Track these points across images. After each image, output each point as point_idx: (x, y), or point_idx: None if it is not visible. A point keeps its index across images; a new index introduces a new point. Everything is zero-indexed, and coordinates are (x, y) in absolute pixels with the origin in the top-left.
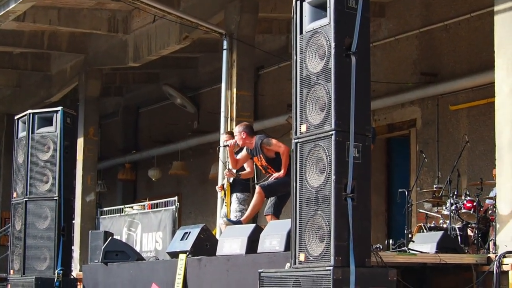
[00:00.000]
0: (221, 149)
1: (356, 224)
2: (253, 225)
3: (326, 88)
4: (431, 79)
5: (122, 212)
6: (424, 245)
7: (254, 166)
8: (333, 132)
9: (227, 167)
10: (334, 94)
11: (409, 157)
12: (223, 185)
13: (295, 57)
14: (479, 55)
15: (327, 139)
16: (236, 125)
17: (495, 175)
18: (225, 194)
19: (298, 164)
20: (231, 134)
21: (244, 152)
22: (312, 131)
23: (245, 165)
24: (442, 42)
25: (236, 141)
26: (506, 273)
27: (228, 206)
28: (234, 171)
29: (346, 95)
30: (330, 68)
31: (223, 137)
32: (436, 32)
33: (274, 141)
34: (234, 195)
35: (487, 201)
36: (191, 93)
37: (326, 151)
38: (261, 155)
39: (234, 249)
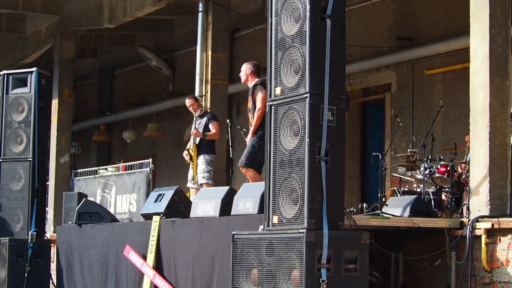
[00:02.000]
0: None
1: (330, 187)
2: (227, 187)
3: (301, 51)
4: (406, 44)
5: (96, 174)
6: (397, 209)
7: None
8: (308, 95)
9: (195, 127)
10: (308, 57)
11: (383, 121)
12: (188, 150)
13: (270, 20)
14: (455, 20)
15: (302, 102)
16: (210, 87)
17: (468, 141)
18: (191, 158)
19: (272, 127)
20: (194, 99)
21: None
22: (287, 94)
23: (211, 126)
24: (418, 6)
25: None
26: (479, 237)
27: (194, 169)
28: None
29: (321, 58)
30: (305, 31)
31: (186, 102)
32: None
33: (262, 95)
34: (201, 157)
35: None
36: (167, 55)
37: (300, 114)
38: (250, 97)
39: (208, 211)
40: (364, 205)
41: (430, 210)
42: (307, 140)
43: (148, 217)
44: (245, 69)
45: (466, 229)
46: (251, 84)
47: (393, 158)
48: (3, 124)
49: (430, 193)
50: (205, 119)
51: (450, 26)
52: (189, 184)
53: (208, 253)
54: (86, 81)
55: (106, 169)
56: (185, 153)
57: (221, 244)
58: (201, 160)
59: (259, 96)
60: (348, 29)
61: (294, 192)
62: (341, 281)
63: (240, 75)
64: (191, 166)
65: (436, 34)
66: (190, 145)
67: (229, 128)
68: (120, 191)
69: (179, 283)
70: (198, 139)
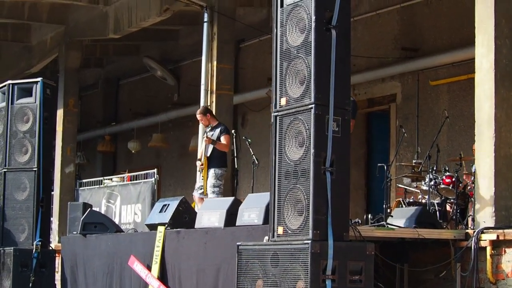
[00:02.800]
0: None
1: (335, 198)
2: (232, 198)
3: (306, 61)
4: (411, 54)
5: (101, 184)
6: (402, 220)
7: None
8: (313, 105)
9: (206, 135)
10: (314, 68)
11: (389, 132)
12: (200, 159)
13: (275, 30)
14: (460, 30)
15: (307, 113)
16: (215, 98)
17: (474, 150)
18: (202, 169)
19: (277, 137)
20: (202, 114)
21: None
22: (292, 104)
23: (222, 139)
24: (424, 17)
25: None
26: (484, 249)
27: (205, 180)
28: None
29: (326, 69)
30: (310, 41)
31: (197, 116)
32: (417, 7)
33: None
34: (212, 170)
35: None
36: (172, 65)
37: (306, 125)
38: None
39: (213, 222)
40: (369, 216)
41: (435, 221)
42: (312, 150)
43: (153, 227)
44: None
45: (471, 240)
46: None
47: (398, 169)
48: (8, 134)
49: (435, 204)
50: (217, 131)
51: (455, 37)
52: (195, 193)
53: (213, 263)
54: (92, 91)
55: (111, 179)
56: (198, 163)
57: (226, 255)
58: (211, 174)
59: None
60: (353, 39)
61: (299, 202)
62: None
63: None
64: (201, 176)
65: (441, 44)
66: (202, 156)
67: (234, 139)
68: (125, 201)
69: None
70: (210, 151)
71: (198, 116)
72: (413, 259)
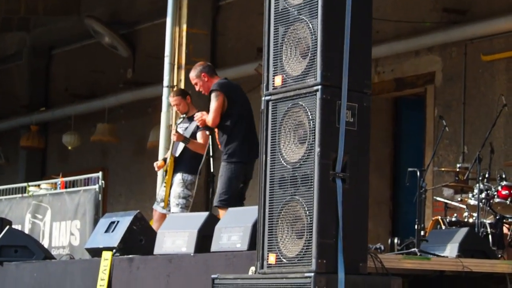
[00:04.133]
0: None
1: (348, 215)
2: (206, 213)
3: (311, 26)
4: (457, 18)
5: (25, 193)
6: (441, 246)
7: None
8: (319, 87)
9: (176, 129)
10: (321, 35)
11: (424, 125)
12: (164, 160)
13: None
14: None
15: (310, 97)
16: (185, 75)
17: None
18: (166, 171)
19: (269, 131)
20: (181, 96)
21: None
22: (290, 85)
23: (198, 136)
24: None
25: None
26: None
27: (167, 189)
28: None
29: (338, 36)
30: None
31: (170, 100)
32: None
33: (216, 104)
34: (178, 175)
35: None
36: (125, 29)
37: (309, 114)
38: None
39: (179, 247)
40: (396, 240)
41: (486, 248)
42: (317, 149)
43: (95, 253)
44: (196, 75)
45: None
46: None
47: (436, 176)
48: None
49: (487, 225)
50: (193, 125)
51: None
52: (155, 206)
53: None
54: (13, 63)
55: (39, 185)
56: (158, 163)
57: None
58: (178, 180)
59: (212, 105)
60: None
61: (298, 221)
62: None
63: (195, 84)
64: (163, 184)
65: (499, 5)
66: (168, 156)
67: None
68: (58, 216)
69: None
70: (179, 150)
71: (173, 100)
72: None
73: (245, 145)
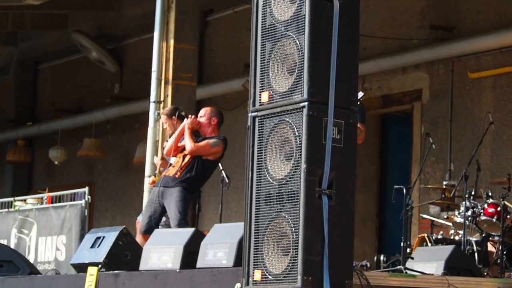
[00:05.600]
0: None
1: (334, 232)
2: (192, 229)
3: (298, 42)
4: (444, 35)
5: (11, 207)
6: (427, 264)
7: None
8: (306, 103)
9: (160, 153)
10: (308, 51)
11: (410, 142)
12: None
13: None
14: (511, 3)
15: (297, 113)
16: (172, 90)
17: None
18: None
19: (255, 147)
20: (167, 116)
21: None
22: (277, 102)
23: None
24: None
25: (195, 122)
26: None
27: None
28: (170, 160)
29: (325, 52)
30: (304, 15)
31: (162, 119)
32: None
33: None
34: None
35: None
36: (112, 44)
37: (295, 130)
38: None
39: (165, 262)
40: (382, 257)
41: (472, 266)
42: (303, 166)
43: (81, 268)
44: (210, 115)
45: None
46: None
47: (422, 193)
48: None
49: (473, 242)
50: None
51: (504, 12)
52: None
53: None
54: (0, 77)
55: (25, 200)
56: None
57: None
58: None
59: (210, 141)
60: (364, 13)
61: (284, 237)
62: None
63: (200, 117)
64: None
65: (485, 22)
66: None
67: None
68: (44, 231)
69: None
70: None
71: (164, 119)
72: None
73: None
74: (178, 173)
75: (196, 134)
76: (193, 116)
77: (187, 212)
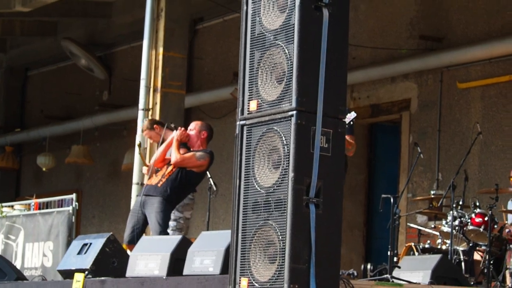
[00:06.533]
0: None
1: (321, 241)
2: (179, 237)
3: (287, 51)
4: (433, 45)
5: None
6: (414, 273)
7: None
8: (294, 112)
9: (147, 162)
10: (297, 60)
11: (399, 152)
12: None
13: (245, 8)
14: (500, 14)
15: (285, 122)
16: (160, 98)
17: None
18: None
19: (243, 155)
20: (149, 129)
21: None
22: (265, 110)
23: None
24: None
25: (183, 134)
26: None
27: None
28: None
29: (313, 62)
30: (293, 24)
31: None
32: None
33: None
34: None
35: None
36: (101, 51)
37: (283, 139)
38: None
39: (151, 270)
40: (369, 266)
41: (459, 275)
42: (291, 174)
43: (68, 274)
44: (200, 129)
45: None
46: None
47: (410, 203)
48: None
49: (460, 252)
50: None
51: (493, 23)
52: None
53: None
54: None
55: (12, 206)
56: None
57: None
58: None
59: (197, 154)
60: (353, 23)
61: (271, 245)
62: None
63: (190, 130)
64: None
65: (475, 33)
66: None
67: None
68: (31, 237)
69: None
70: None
71: (145, 133)
72: None
73: None
74: (160, 183)
75: (185, 146)
76: (182, 128)
77: (167, 224)
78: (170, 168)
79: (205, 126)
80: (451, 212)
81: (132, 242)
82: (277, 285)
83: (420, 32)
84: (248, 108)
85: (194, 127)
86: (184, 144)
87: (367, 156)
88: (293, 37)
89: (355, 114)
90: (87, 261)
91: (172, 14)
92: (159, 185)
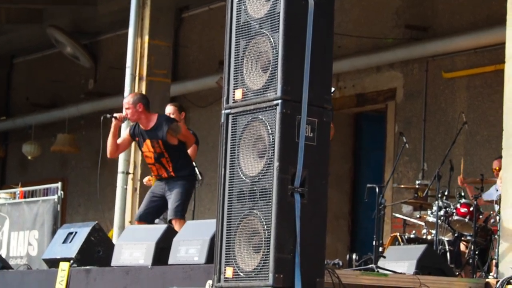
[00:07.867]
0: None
1: (306, 230)
2: (164, 226)
3: (272, 40)
4: (419, 35)
5: None
6: (399, 263)
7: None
8: (279, 101)
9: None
10: (282, 49)
11: (384, 141)
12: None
13: None
14: (486, 4)
15: (270, 111)
16: (146, 86)
17: (496, 169)
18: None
19: (229, 144)
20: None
21: (125, 135)
22: (250, 99)
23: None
24: None
25: (127, 115)
26: None
27: None
28: None
29: (299, 51)
30: (279, 12)
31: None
32: None
33: (184, 128)
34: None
35: (484, 196)
36: (87, 39)
37: (268, 128)
38: (160, 141)
39: (136, 259)
40: (354, 256)
41: (444, 265)
42: (276, 164)
43: (53, 263)
44: (134, 103)
45: None
46: (149, 124)
47: (395, 192)
48: None
49: (446, 242)
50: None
51: (479, 13)
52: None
53: None
54: None
55: None
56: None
57: None
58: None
59: (183, 132)
60: (338, 12)
61: (256, 235)
62: None
63: (125, 108)
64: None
65: (460, 22)
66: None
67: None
68: (16, 226)
69: None
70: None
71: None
72: None
73: None
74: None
75: (174, 120)
76: (116, 114)
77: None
78: (162, 158)
79: (138, 98)
80: (436, 202)
81: (142, 219)
82: (262, 274)
83: (405, 21)
84: (233, 97)
85: (128, 106)
86: (172, 119)
87: (352, 146)
88: (278, 26)
89: (334, 89)
90: (72, 250)
91: (158, 2)
92: (172, 174)
